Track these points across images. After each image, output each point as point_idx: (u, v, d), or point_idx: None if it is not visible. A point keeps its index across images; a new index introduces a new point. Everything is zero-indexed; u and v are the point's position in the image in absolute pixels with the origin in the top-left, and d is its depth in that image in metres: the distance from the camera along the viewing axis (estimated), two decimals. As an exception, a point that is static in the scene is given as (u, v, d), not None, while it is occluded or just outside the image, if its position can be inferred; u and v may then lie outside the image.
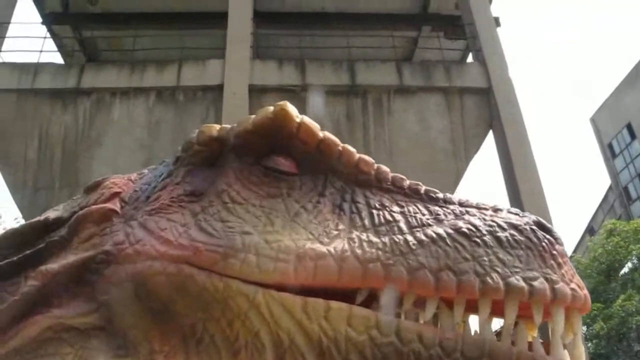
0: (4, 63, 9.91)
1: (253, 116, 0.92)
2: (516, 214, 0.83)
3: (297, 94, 9.73)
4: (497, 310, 0.75)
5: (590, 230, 36.69)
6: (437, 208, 0.84)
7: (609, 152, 36.70)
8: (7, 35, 10.29)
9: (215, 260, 0.78)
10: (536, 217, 0.82)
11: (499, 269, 0.73)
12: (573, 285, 0.75)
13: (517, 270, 0.74)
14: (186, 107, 9.49)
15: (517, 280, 0.72)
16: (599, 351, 20.18)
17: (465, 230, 0.78)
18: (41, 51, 10.16)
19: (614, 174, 36.26)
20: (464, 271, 0.73)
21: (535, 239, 0.78)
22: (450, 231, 0.78)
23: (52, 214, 1.01)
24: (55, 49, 12.15)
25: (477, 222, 0.79)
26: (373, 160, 0.93)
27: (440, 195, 0.87)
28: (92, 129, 9.25)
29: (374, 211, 0.84)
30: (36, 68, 9.59)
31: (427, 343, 0.71)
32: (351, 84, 9.87)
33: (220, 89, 9.46)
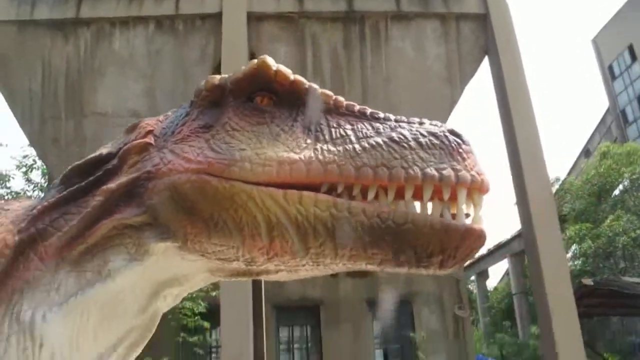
0: (0, -6, 9.88)
1: (243, 67, 1.22)
2: (435, 125, 1.12)
3: (295, 20, 9.80)
4: (436, 195, 1.05)
5: (586, 152, 37.05)
6: (378, 124, 1.14)
7: (609, 74, 36.55)
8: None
9: (223, 169, 1.10)
10: (450, 127, 1.13)
11: (418, 164, 1.04)
12: (473, 172, 1.04)
13: (432, 163, 1.04)
14: (186, 36, 9.56)
15: (431, 170, 1.03)
16: (585, 268, 21.05)
17: (396, 138, 1.08)
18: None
19: (612, 96, 36.26)
20: (394, 166, 1.04)
21: (447, 142, 1.08)
22: (386, 139, 1.08)
23: (104, 150, 1.34)
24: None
25: (405, 132, 1.10)
26: (332, 93, 1.22)
27: (382, 114, 1.17)
28: (94, 59, 9.35)
29: (332, 129, 1.15)
30: (34, -2, 9.58)
31: (368, 214, 1.03)
32: (348, 10, 9.88)
33: (219, 17, 9.48)
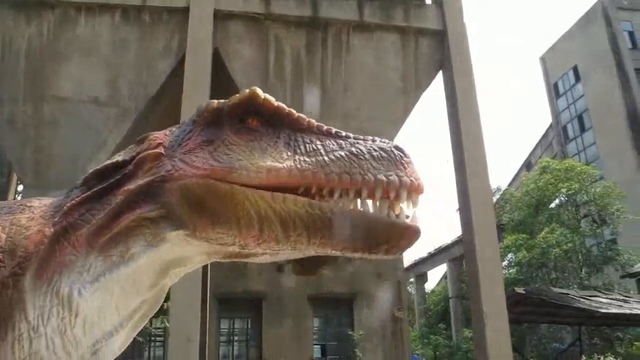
0: (-36, -32, 9.69)
1: (237, 95, 1.52)
2: (384, 142, 1.46)
3: (260, 21, 10.04)
4: (385, 194, 1.41)
5: (527, 165, 38.51)
6: (341, 141, 1.48)
7: (554, 92, 38.00)
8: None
9: (225, 175, 1.41)
10: (395, 143, 1.47)
11: (372, 171, 1.39)
12: (412, 178, 1.40)
13: (382, 171, 1.39)
14: (152, 28, 9.64)
15: (381, 176, 1.38)
16: (519, 277, 22.04)
17: (355, 151, 1.43)
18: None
19: (555, 113, 37.74)
20: (354, 173, 1.39)
21: (392, 155, 1.42)
22: (347, 152, 1.43)
23: (119, 158, 1.62)
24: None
25: (362, 147, 1.44)
26: (307, 117, 1.55)
27: (344, 133, 1.51)
28: (57, 43, 9.32)
29: (307, 144, 1.48)
30: (-2, -24, 9.47)
31: (334, 212, 1.39)
32: (313, 15, 10.20)
33: (186, 12, 9.62)
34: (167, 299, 8.54)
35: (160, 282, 1.58)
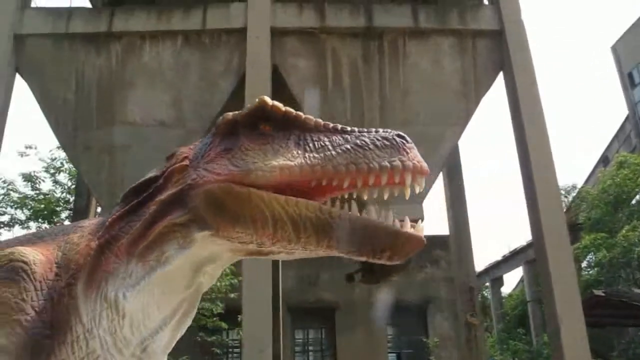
0: (38, 8, 10.41)
1: (249, 105, 1.65)
2: (386, 131, 1.55)
3: (316, 35, 10.18)
4: (390, 180, 1.49)
5: (604, 160, 36.80)
6: (347, 135, 1.57)
7: (628, 82, 36.28)
8: (38, -22, 10.71)
9: (243, 177, 1.52)
10: (397, 132, 1.55)
11: (376, 159, 1.46)
12: (414, 161, 1.48)
13: (385, 158, 1.46)
14: (212, 50, 9.98)
15: (385, 162, 1.46)
16: (599, 278, 21.08)
17: (360, 143, 1.51)
18: (71, -6, 10.59)
19: (631, 104, 35.99)
20: (359, 163, 1.46)
21: (395, 142, 1.50)
22: (353, 145, 1.51)
23: (152, 174, 1.78)
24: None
25: (366, 139, 1.52)
26: (313, 117, 1.64)
27: (349, 128, 1.60)
28: (124, 71, 9.82)
29: (315, 142, 1.57)
30: (69, 13, 10.10)
31: (342, 218, 1.47)
32: (368, 25, 10.25)
33: (244, 32, 9.91)
34: (240, 311, 8.75)
35: (196, 281, 1.73)
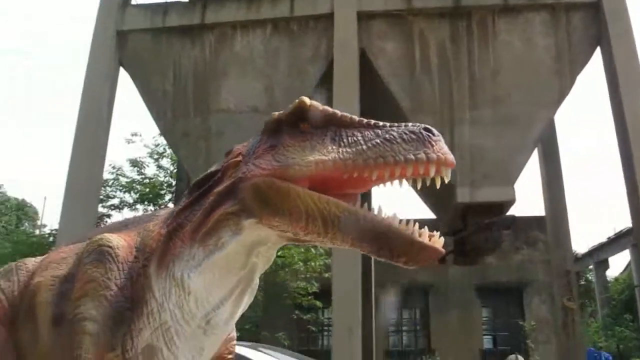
0: (137, 5, 11.03)
1: (290, 106, 1.78)
2: (414, 125, 1.62)
3: (403, 17, 10.16)
4: (416, 171, 1.59)
5: None
6: (378, 130, 1.66)
7: None
8: (135, -25, 11.32)
9: (283, 172, 1.67)
10: (424, 125, 1.62)
11: (402, 153, 1.55)
12: (439, 154, 1.55)
13: (411, 151, 1.55)
14: (300, 36, 10.21)
15: (410, 155, 1.54)
16: None
17: (389, 137, 1.60)
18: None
19: None
20: (387, 156, 1.56)
21: (421, 136, 1.58)
22: (382, 139, 1.60)
23: (213, 168, 1.98)
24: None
25: (394, 133, 1.61)
26: (349, 114, 1.75)
27: (380, 123, 1.69)
28: (217, 61, 10.24)
29: (348, 137, 1.68)
30: (165, 8, 10.63)
31: (367, 220, 1.59)
32: (455, 5, 10.09)
33: (331, 17, 10.05)
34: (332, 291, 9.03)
35: (250, 261, 1.90)
